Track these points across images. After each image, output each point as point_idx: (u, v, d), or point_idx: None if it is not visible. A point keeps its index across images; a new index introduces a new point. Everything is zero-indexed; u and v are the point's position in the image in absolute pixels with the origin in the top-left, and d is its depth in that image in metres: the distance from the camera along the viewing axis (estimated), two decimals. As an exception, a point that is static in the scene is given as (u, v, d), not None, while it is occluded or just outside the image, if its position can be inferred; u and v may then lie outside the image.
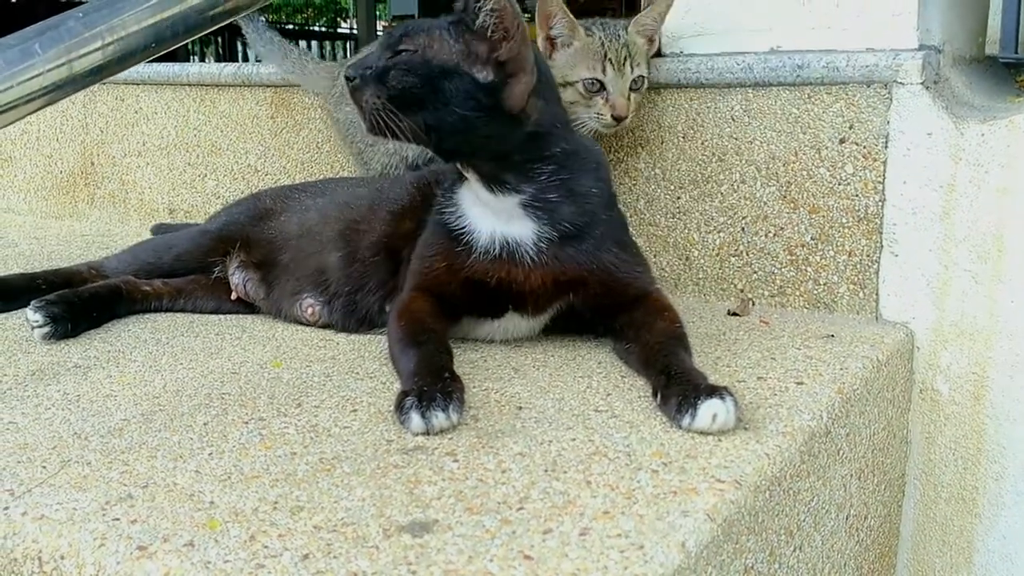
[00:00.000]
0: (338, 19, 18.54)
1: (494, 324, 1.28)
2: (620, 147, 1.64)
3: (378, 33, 11.55)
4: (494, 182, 1.19)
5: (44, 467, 0.89)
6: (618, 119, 1.48)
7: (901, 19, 1.43)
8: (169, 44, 1.10)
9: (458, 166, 1.20)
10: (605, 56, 1.47)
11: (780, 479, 0.92)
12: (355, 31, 13.19)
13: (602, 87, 1.48)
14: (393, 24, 11.05)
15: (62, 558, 0.75)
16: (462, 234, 1.22)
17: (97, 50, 1.02)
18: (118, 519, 0.78)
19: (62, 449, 0.93)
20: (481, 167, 1.18)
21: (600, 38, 1.48)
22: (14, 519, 0.80)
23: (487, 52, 1.13)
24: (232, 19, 1.21)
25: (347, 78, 1.14)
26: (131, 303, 1.46)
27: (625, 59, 1.48)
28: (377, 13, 12.12)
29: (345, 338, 1.35)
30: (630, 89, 1.49)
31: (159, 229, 1.98)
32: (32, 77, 0.97)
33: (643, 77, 1.52)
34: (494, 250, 1.20)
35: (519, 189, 1.18)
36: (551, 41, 1.50)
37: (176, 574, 0.70)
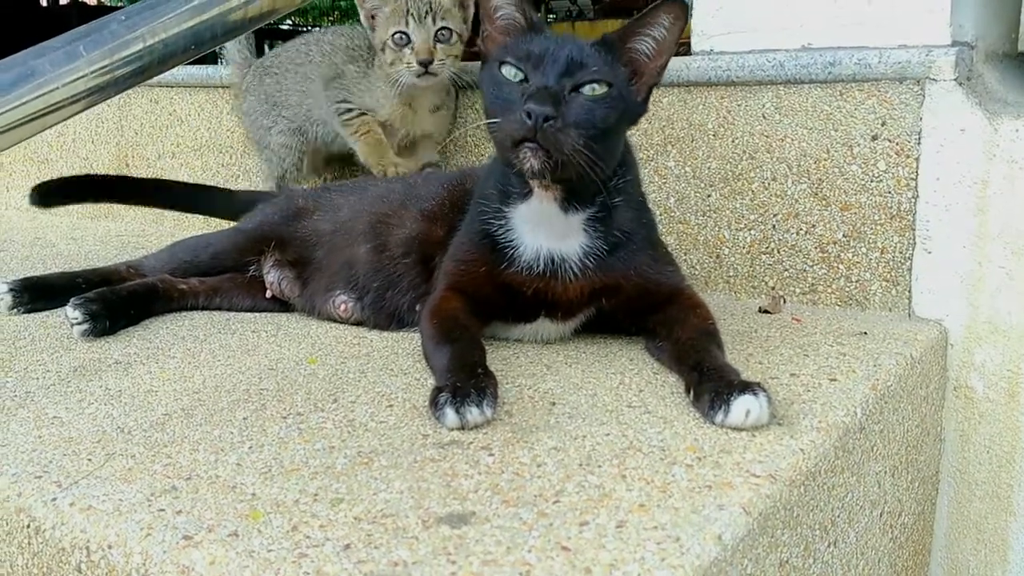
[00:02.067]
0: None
1: (525, 328, 1.29)
2: (650, 145, 1.65)
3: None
4: (575, 201, 1.17)
5: (90, 460, 0.91)
6: (424, 64, 1.68)
7: (934, 15, 1.43)
8: (208, 46, 1.12)
9: (538, 185, 1.15)
10: (408, 12, 1.68)
11: (815, 474, 0.93)
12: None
13: (409, 39, 1.69)
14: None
15: (110, 547, 0.77)
16: (506, 248, 1.21)
17: (139, 52, 1.04)
18: (163, 510, 0.80)
19: (106, 442, 0.95)
20: (575, 186, 1.14)
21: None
22: (62, 510, 0.82)
23: (639, 73, 1.14)
24: (269, 20, 1.23)
25: (546, 118, 1.03)
26: (168, 301, 1.49)
27: (427, 13, 1.69)
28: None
29: (378, 335, 1.37)
30: (436, 40, 1.69)
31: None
32: (77, 78, 0.99)
33: (450, 30, 1.71)
34: (537, 266, 1.20)
35: (587, 206, 1.18)
36: (371, 16, 1.74)
37: (222, 563, 0.71)
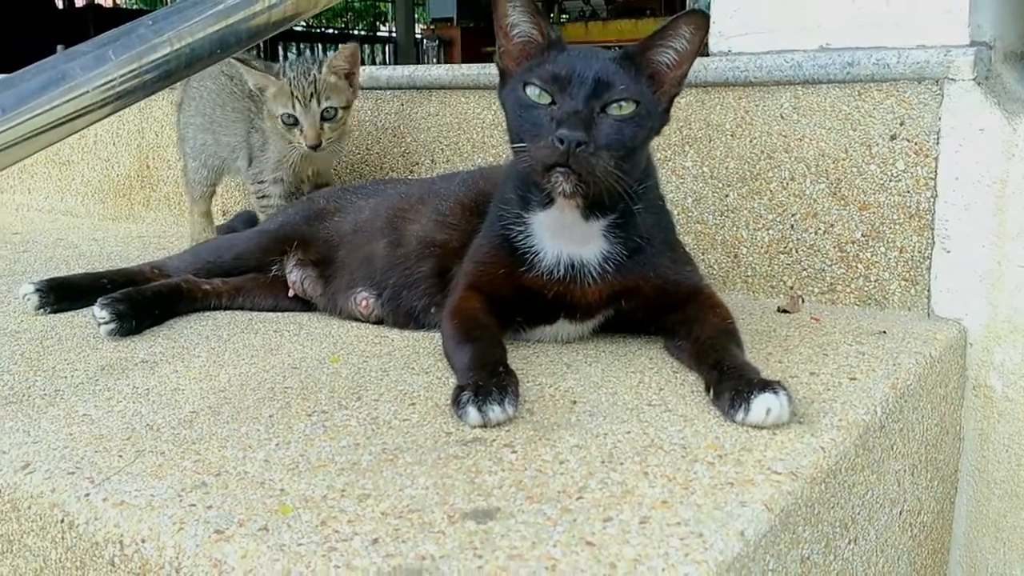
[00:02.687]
0: (377, 23, 18.70)
1: (545, 329, 1.30)
2: (668, 146, 1.65)
3: (416, 36, 11.61)
4: (596, 209, 1.17)
5: (120, 456, 0.93)
6: (313, 147, 1.75)
7: (952, 15, 1.43)
8: (233, 50, 1.14)
9: (563, 195, 1.11)
10: (292, 95, 1.73)
11: (835, 472, 0.93)
12: (394, 34, 13.29)
13: (296, 121, 1.74)
14: (432, 28, 11.09)
15: (143, 541, 0.78)
16: (526, 253, 1.21)
17: (166, 56, 1.06)
18: (194, 505, 0.82)
19: (136, 439, 0.97)
20: (599, 198, 1.13)
21: (290, 79, 1.73)
22: (95, 505, 0.83)
23: (660, 84, 1.14)
24: (291, 24, 1.25)
25: (573, 141, 1.04)
26: (191, 301, 1.51)
27: (312, 95, 1.73)
28: (416, 16, 12.19)
29: (399, 335, 1.38)
30: (322, 119, 1.75)
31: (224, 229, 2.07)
32: (107, 82, 1.01)
33: (335, 108, 1.76)
34: (558, 271, 1.21)
35: (608, 213, 1.18)
36: (259, 89, 1.79)
37: (253, 556, 0.73)
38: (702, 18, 1.12)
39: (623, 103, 1.09)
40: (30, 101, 0.97)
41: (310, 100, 1.73)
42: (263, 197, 1.89)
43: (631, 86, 1.10)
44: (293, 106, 1.73)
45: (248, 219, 2.02)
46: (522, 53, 1.17)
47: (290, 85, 1.73)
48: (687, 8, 1.60)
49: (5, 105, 0.95)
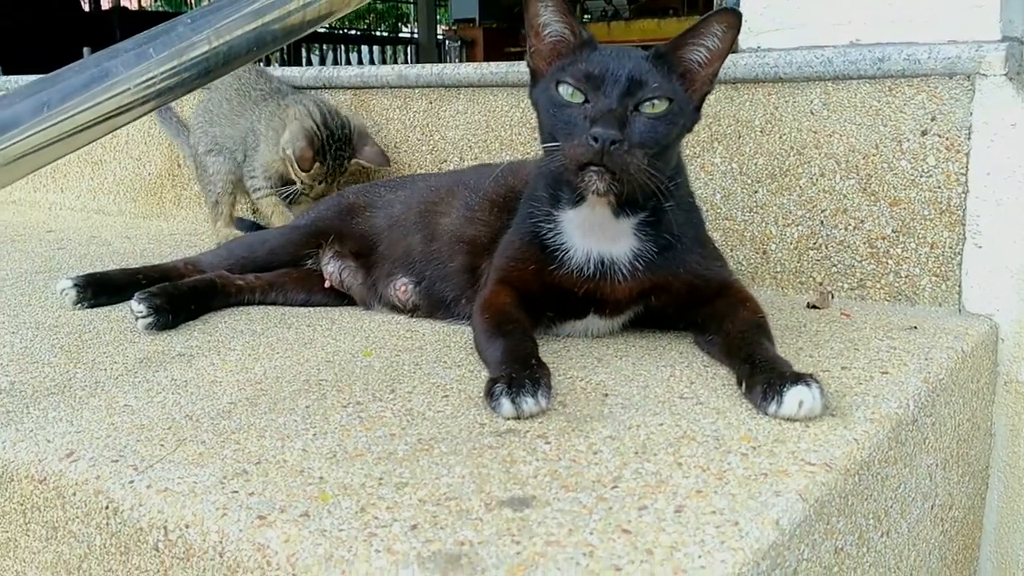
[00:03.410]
0: (399, 24, 18.77)
1: (575, 324, 1.30)
2: (697, 142, 1.66)
3: (438, 37, 11.63)
4: (627, 207, 1.18)
5: (162, 445, 0.95)
6: (313, 196, 1.95)
7: (983, 10, 1.42)
8: (269, 48, 1.16)
9: (596, 193, 1.11)
10: (325, 176, 1.94)
11: (869, 464, 0.94)
12: (416, 36, 13.33)
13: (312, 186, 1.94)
14: (454, 29, 11.11)
15: (187, 527, 0.80)
16: (556, 250, 1.22)
17: (205, 54, 1.08)
18: (236, 492, 0.83)
19: (176, 429, 0.99)
20: (632, 194, 1.13)
21: (328, 165, 1.93)
22: (140, 491, 0.85)
23: (692, 82, 1.15)
24: (325, 23, 1.27)
25: (608, 139, 1.04)
26: (226, 296, 1.53)
27: (336, 174, 1.95)
28: (438, 17, 12.21)
29: (430, 328, 1.39)
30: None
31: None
32: (147, 79, 1.03)
33: (344, 158, 1.97)
34: (588, 269, 1.21)
35: (639, 211, 1.19)
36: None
37: (295, 541, 0.74)
38: (734, 16, 1.12)
39: (656, 101, 1.10)
40: (74, 98, 0.99)
41: (331, 176, 1.94)
42: (256, 190, 2.04)
43: (664, 84, 1.11)
44: (321, 181, 1.93)
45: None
46: (553, 52, 1.18)
47: (324, 168, 1.92)
48: (716, 5, 1.60)
49: (51, 101, 0.97)
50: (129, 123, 1.07)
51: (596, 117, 1.07)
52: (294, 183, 1.96)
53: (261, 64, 1.96)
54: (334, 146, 1.92)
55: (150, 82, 1.05)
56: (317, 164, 1.90)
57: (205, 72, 1.11)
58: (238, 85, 2.10)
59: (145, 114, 1.07)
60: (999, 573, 1.45)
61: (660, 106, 1.10)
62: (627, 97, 1.09)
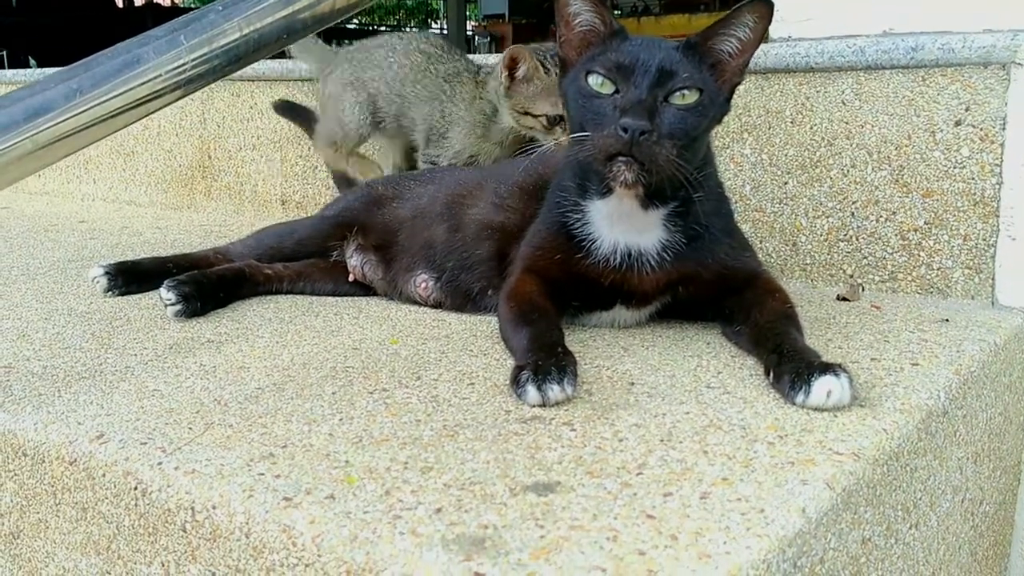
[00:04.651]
0: (429, 20, 18.83)
1: (601, 315, 1.30)
2: (726, 133, 1.65)
3: (468, 33, 11.66)
4: (656, 198, 1.17)
5: (190, 428, 0.96)
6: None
7: (1020, -1, 1.40)
8: (299, 35, 1.16)
9: (624, 185, 1.11)
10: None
11: (898, 454, 0.93)
12: (445, 31, 13.37)
13: (560, 119, 1.67)
14: (484, 24, 11.12)
15: (214, 508, 0.81)
16: (583, 241, 1.22)
17: (235, 41, 1.09)
18: (263, 474, 0.84)
19: (204, 413, 1.00)
20: (660, 185, 1.13)
21: (556, 75, 1.63)
22: (168, 473, 0.86)
23: (722, 72, 1.14)
24: (354, 12, 1.27)
25: (638, 130, 1.04)
26: (254, 285, 1.54)
27: None
28: (467, 13, 12.24)
29: (456, 318, 1.40)
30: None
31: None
32: (178, 66, 1.04)
33: None
34: (614, 260, 1.21)
35: (667, 202, 1.18)
36: (512, 76, 1.72)
37: (321, 522, 0.75)
38: (766, 6, 1.11)
39: (686, 91, 1.09)
40: (106, 83, 1.00)
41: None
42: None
43: (694, 75, 1.10)
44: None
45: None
46: (584, 42, 1.17)
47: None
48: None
49: (82, 87, 0.98)
50: (160, 109, 1.07)
51: (626, 107, 1.06)
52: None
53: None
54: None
55: (181, 69, 1.06)
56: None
57: (235, 59, 1.12)
58: (427, 50, 1.92)
59: (176, 100, 1.08)
60: (1031, 570, 1.43)
61: (690, 97, 1.09)
62: (657, 88, 1.08)
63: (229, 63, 1.11)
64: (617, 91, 1.10)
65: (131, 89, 1.02)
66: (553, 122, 1.69)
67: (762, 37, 1.14)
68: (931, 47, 1.43)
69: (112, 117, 1.03)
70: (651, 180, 1.09)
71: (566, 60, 1.20)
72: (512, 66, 1.71)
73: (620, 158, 1.06)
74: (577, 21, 1.17)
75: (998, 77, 1.39)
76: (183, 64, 1.05)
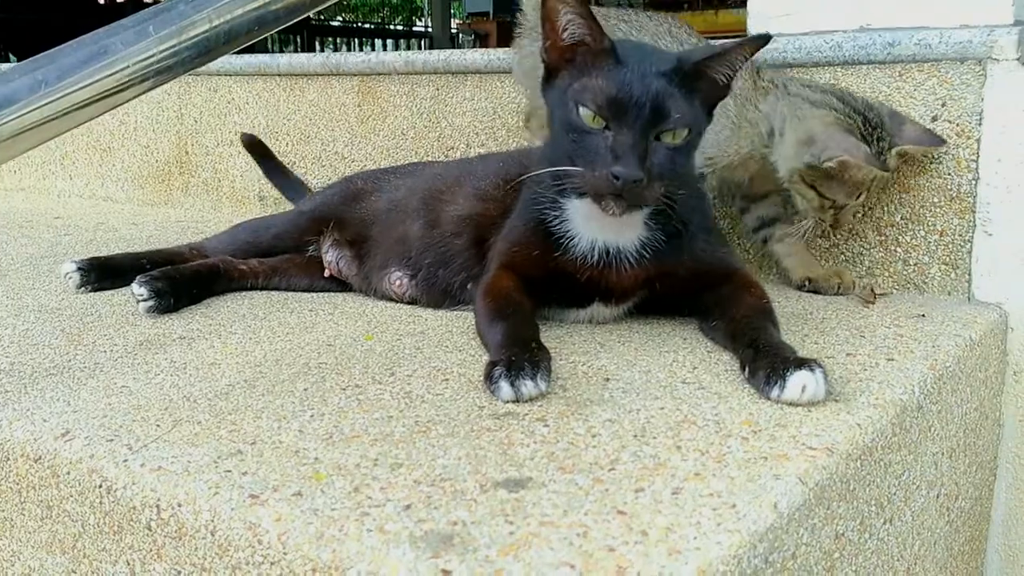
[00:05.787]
0: (413, 18, 18.77)
1: (579, 312, 1.29)
2: (704, 129, 1.64)
3: (452, 31, 11.62)
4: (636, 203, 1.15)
5: (158, 425, 0.94)
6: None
7: (996, -6, 1.40)
8: (271, 27, 1.14)
9: (612, 215, 1.10)
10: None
11: (872, 449, 0.92)
12: (430, 29, 13.33)
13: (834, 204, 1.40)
14: (468, 22, 11.09)
15: (179, 505, 0.79)
16: (561, 238, 1.21)
17: (205, 32, 1.07)
18: (230, 471, 0.82)
19: (173, 410, 0.98)
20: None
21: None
22: (133, 470, 0.85)
23: (707, 97, 1.14)
24: (331, 2, 1.26)
25: (630, 179, 1.04)
26: (228, 281, 1.52)
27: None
28: (452, 11, 12.20)
29: (433, 314, 1.38)
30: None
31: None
32: (147, 57, 1.02)
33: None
34: (592, 257, 1.20)
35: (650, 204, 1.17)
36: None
37: (287, 520, 0.74)
38: (765, 40, 1.13)
39: (676, 131, 1.09)
40: (72, 75, 0.98)
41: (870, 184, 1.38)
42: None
43: (686, 112, 1.09)
44: (859, 195, 1.39)
45: None
46: (571, 52, 1.13)
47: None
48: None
49: (47, 79, 0.97)
50: (129, 100, 1.06)
51: (619, 153, 1.05)
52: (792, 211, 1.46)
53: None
54: (874, 135, 1.35)
55: (149, 60, 1.04)
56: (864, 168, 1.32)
57: (205, 51, 1.10)
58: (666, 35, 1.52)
59: (145, 92, 1.06)
60: (1007, 565, 1.43)
61: (680, 135, 1.09)
62: (650, 128, 1.07)
63: (199, 55, 1.09)
64: (607, 127, 1.07)
65: (98, 80, 1.00)
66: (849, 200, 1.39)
67: (751, 57, 1.15)
68: (908, 42, 1.43)
69: (79, 109, 1.01)
70: (640, 211, 1.13)
71: (551, 66, 1.16)
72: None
73: (610, 196, 1.07)
74: (567, 33, 1.12)
75: (974, 73, 1.39)
76: (152, 55, 1.03)
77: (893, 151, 1.35)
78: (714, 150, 1.45)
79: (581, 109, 1.08)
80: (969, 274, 1.42)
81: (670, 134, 1.08)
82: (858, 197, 1.38)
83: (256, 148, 2.07)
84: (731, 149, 1.44)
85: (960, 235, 1.43)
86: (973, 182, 1.41)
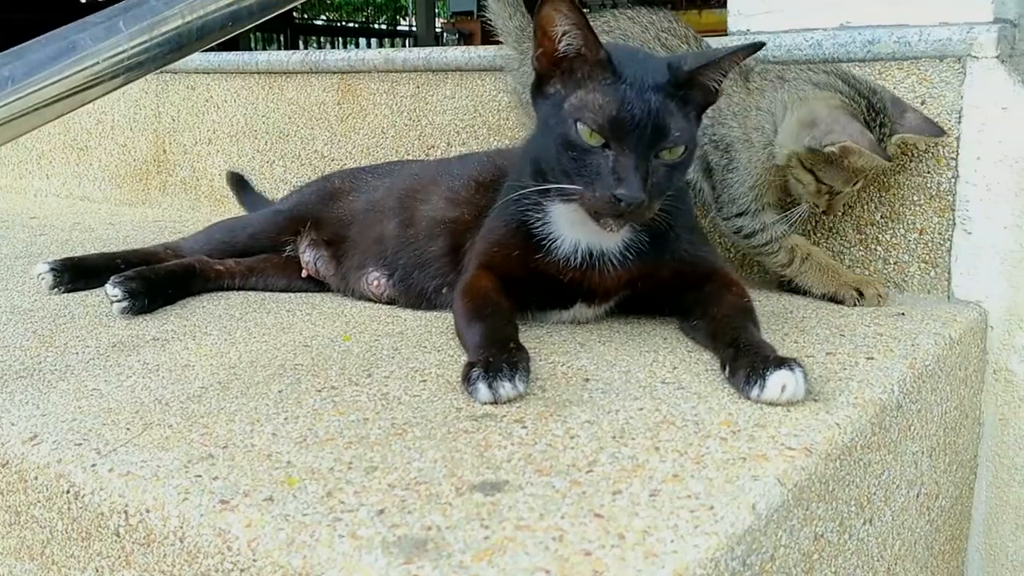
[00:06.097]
0: (397, 17, 18.72)
1: (561, 314, 1.28)
2: (685, 127, 1.63)
3: (437, 30, 11.59)
4: None
5: (128, 429, 0.92)
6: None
7: (975, -8, 1.40)
8: (246, 23, 1.13)
9: (610, 231, 1.11)
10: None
11: (851, 449, 0.92)
12: (414, 28, 13.29)
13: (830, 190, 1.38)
14: (452, 21, 11.05)
15: (147, 511, 0.78)
16: (543, 240, 1.19)
17: (177, 28, 1.05)
18: (200, 476, 0.81)
19: (144, 413, 0.97)
20: None
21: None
22: (101, 475, 0.83)
23: (700, 105, 1.13)
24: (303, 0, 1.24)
25: (635, 203, 1.03)
26: (204, 281, 1.50)
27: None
28: (436, 11, 12.17)
29: (411, 314, 1.37)
30: None
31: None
32: (117, 53, 1.00)
33: None
34: (575, 259, 1.18)
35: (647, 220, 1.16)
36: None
37: (258, 525, 0.72)
38: (758, 47, 1.13)
39: (676, 148, 1.08)
40: (40, 71, 0.96)
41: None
42: (755, 233, 1.44)
43: (684, 128, 1.08)
44: (856, 182, 1.36)
45: None
46: (565, 61, 1.10)
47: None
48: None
49: (14, 75, 0.95)
50: (100, 96, 1.03)
51: (621, 175, 1.04)
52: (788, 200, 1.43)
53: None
54: (877, 121, 1.32)
55: (120, 56, 1.02)
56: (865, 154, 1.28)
57: (178, 47, 1.08)
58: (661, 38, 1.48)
59: (116, 88, 1.04)
60: (987, 564, 1.43)
61: (677, 151, 1.08)
62: (650, 148, 1.06)
63: (172, 51, 1.07)
64: (607, 145, 1.05)
65: (67, 77, 0.99)
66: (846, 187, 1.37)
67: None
68: (887, 40, 1.43)
69: (47, 105, 0.99)
70: (636, 225, 1.14)
71: (542, 73, 1.13)
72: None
73: (610, 216, 1.06)
74: (562, 43, 1.09)
75: (953, 70, 1.39)
76: (123, 51, 1.01)
77: (893, 139, 1.33)
78: (751, 180, 1.42)
79: (580, 126, 1.06)
80: (949, 272, 1.42)
81: (669, 151, 1.07)
82: (855, 184, 1.36)
83: (237, 182, 2.10)
84: (759, 168, 1.40)
85: (940, 233, 1.42)
86: (953, 180, 1.40)
